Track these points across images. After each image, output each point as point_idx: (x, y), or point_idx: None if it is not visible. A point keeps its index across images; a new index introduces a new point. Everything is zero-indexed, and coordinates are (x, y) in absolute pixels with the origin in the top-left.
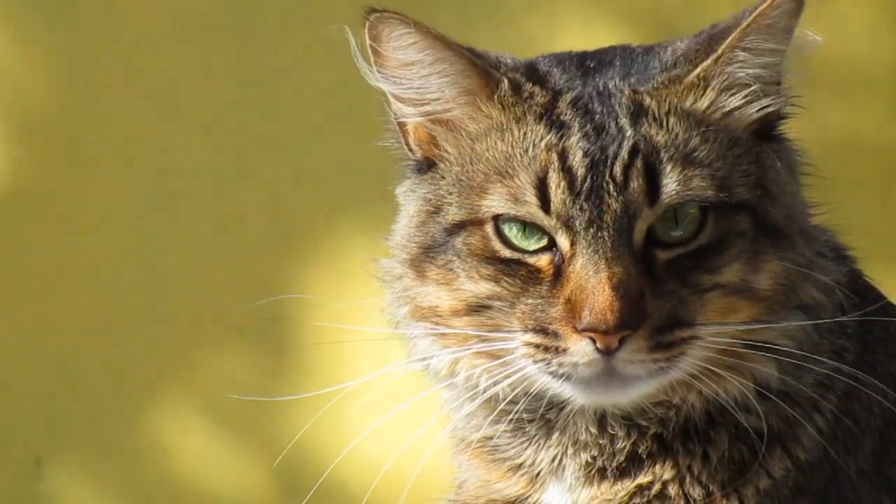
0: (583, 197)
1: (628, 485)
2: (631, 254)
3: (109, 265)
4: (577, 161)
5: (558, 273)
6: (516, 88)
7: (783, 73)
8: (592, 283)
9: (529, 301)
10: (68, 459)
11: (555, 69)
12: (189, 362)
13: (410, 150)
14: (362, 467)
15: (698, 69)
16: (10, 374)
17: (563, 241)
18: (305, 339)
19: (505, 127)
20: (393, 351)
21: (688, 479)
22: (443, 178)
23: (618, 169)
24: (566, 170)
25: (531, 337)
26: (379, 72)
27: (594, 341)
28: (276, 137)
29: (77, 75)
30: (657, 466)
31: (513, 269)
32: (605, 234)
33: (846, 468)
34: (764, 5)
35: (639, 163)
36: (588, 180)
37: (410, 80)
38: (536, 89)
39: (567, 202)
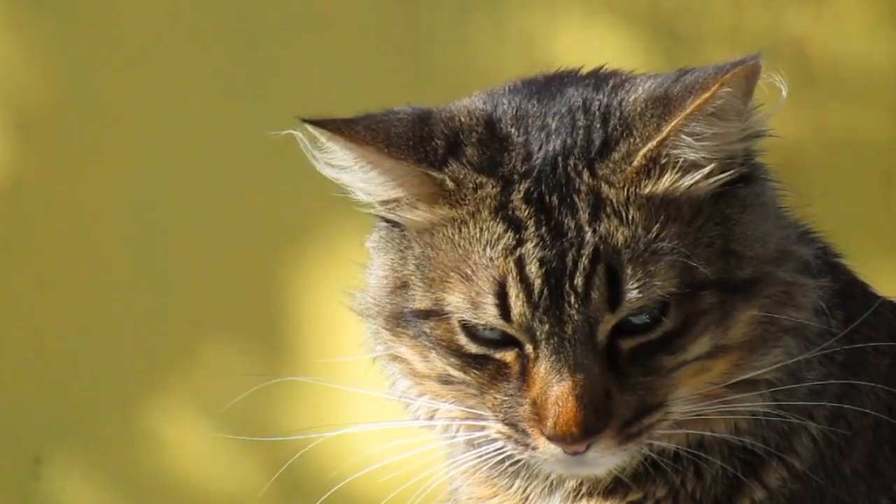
0: (541, 310)
1: (619, 502)
2: (594, 356)
3: (109, 264)
4: (535, 271)
5: (524, 371)
6: (461, 184)
7: (743, 144)
8: (556, 391)
9: (498, 396)
10: (68, 458)
11: (512, 129)
12: (189, 362)
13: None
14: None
15: (645, 149)
16: (9, 374)
17: (526, 345)
18: (306, 338)
19: (459, 220)
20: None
21: (681, 495)
22: (408, 247)
23: (578, 280)
24: (523, 280)
25: (502, 427)
26: (326, 167)
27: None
28: (277, 137)
29: (77, 75)
30: (648, 484)
31: (480, 363)
32: (567, 343)
33: (842, 471)
34: (703, 97)
35: (600, 269)
36: (546, 291)
37: (349, 180)
38: (484, 180)
39: (526, 314)
